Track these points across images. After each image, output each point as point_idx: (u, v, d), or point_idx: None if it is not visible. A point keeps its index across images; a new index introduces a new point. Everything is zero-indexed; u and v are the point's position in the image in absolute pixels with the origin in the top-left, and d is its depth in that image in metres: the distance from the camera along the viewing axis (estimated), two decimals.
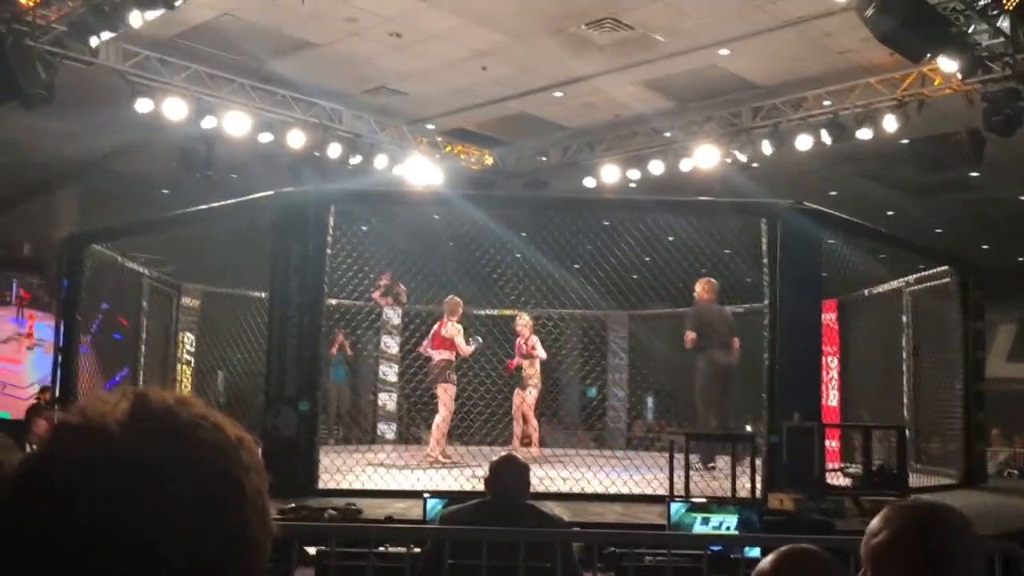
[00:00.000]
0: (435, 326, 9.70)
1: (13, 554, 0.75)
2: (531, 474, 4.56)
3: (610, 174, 12.84)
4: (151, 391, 0.82)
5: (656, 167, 12.42)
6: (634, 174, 12.69)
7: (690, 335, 8.98)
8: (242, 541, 0.78)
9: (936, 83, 10.15)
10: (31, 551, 0.73)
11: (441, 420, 9.33)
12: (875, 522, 1.72)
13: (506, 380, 10.57)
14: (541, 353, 10.42)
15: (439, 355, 9.45)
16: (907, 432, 8.07)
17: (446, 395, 9.34)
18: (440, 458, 9.09)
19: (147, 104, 10.26)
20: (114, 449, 0.75)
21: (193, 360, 10.85)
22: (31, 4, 8.78)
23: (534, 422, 10.45)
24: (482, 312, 11.85)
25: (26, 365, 14.08)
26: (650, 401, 15.70)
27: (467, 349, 9.49)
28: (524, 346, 10.41)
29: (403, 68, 10.94)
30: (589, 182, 13.11)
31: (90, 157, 13.02)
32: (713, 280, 9.16)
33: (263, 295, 8.13)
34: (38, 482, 0.75)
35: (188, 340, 10.81)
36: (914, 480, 7.79)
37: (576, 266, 10.54)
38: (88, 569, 0.72)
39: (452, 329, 9.44)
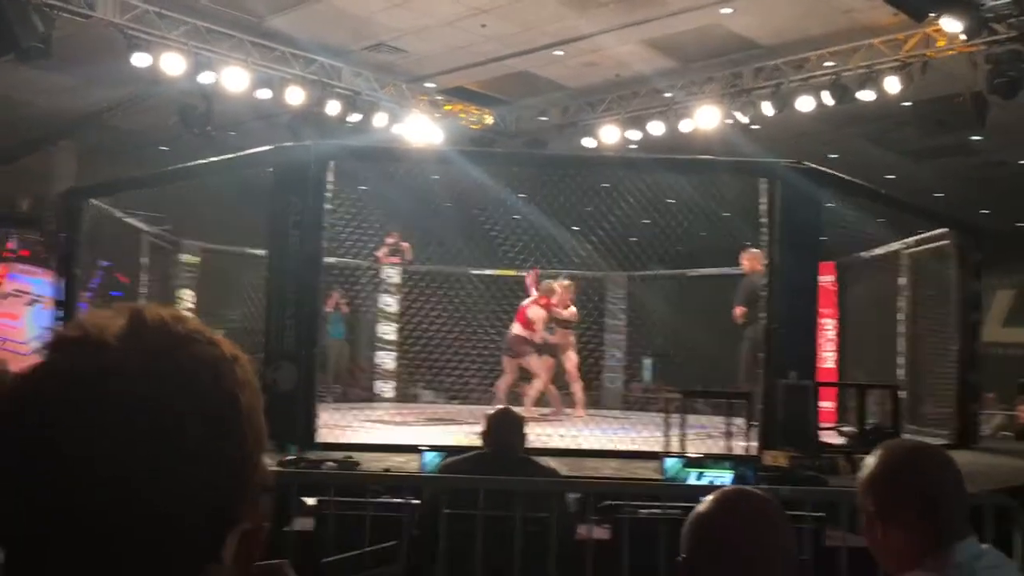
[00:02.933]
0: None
1: (8, 464, 0.76)
2: (527, 430, 4.61)
3: (610, 135, 12.78)
4: (147, 307, 0.82)
5: (656, 128, 12.35)
6: (634, 135, 12.62)
7: (740, 310, 8.86)
8: (236, 455, 0.79)
9: (940, 44, 10.06)
10: (26, 461, 0.74)
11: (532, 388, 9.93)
12: (869, 459, 1.84)
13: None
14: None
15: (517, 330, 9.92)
16: (901, 392, 8.12)
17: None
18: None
19: (144, 59, 10.17)
20: (110, 361, 0.76)
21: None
22: None
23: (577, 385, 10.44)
24: (481, 272, 11.88)
25: (25, 320, 14.09)
26: (648, 363, 15.76)
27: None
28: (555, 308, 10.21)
29: (403, 25, 10.83)
30: (589, 142, 13.05)
31: (88, 112, 12.93)
32: (757, 250, 8.74)
33: (262, 252, 8.14)
34: (34, 393, 0.76)
35: (188, 297, 10.84)
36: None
37: (575, 228, 10.54)
38: (81, 477, 0.73)
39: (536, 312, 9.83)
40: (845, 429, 7.63)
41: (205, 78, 10.66)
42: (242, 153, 7.88)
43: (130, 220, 9.64)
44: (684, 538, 1.59)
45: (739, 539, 1.56)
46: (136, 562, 0.73)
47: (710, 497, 1.62)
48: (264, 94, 11.28)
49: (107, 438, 0.73)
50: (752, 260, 8.80)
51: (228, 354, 0.82)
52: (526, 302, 10.05)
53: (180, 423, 0.75)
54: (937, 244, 9.15)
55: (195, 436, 0.76)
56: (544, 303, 9.92)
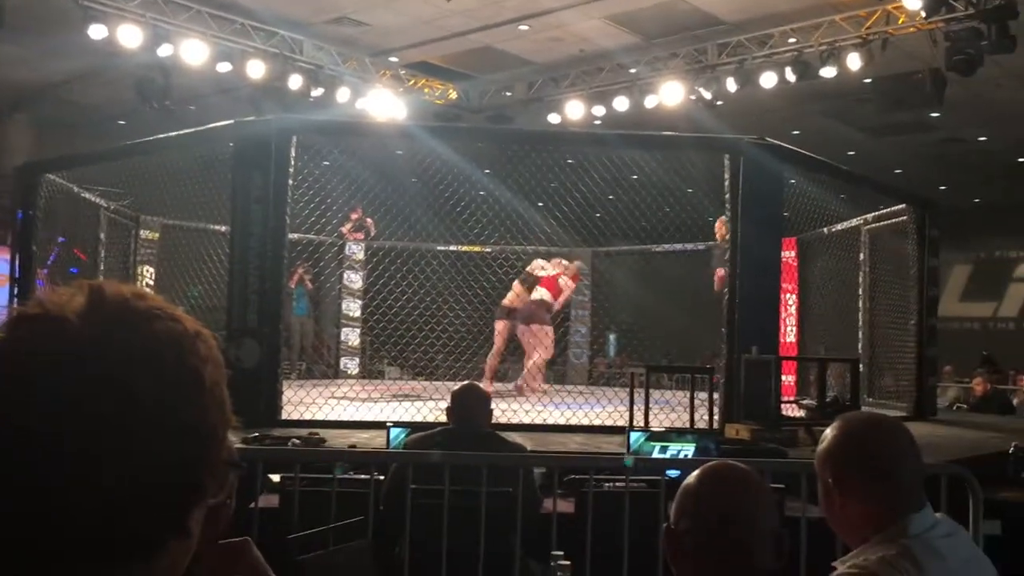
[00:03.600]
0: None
1: None
2: (493, 405, 4.63)
3: (575, 110, 12.77)
4: (107, 284, 0.81)
5: (621, 103, 12.36)
6: (599, 110, 12.63)
7: (721, 272, 8.70)
8: (200, 430, 0.79)
9: (900, 21, 10.16)
10: None
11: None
12: (826, 431, 1.89)
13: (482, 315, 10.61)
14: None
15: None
16: (860, 366, 8.25)
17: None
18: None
19: (100, 30, 9.96)
20: (70, 337, 0.75)
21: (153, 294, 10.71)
22: None
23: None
24: (446, 248, 11.86)
25: None
26: (612, 338, 15.86)
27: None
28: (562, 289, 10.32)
29: None
30: (554, 118, 13.03)
31: (43, 84, 12.68)
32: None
33: (223, 228, 8.04)
34: None
35: (148, 273, 10.69)
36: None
37: (540, 204, 10.53)
38: (44, 454, 0.72)
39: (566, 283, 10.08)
40: (805, 402, 7.74)
41: (163, 51, 10.47)
42: (202, 128, 7.76)
43: (87, 195, 9.47)
44: (673, 508, 1.69)
45: (722, 509, 1.64)
46: (102, 535, 0.73)
47: (698, 469, 1.71)
48: (224, 67, 11.11)
49: (70, 415, 0.73)
50: (724, 226, 8.82)
51: (191, 330, 0.82)
52: (550, 273, 10.15)
53: (143, 399, 0.75)
54: (895, 220, 9.27)
55: (158, 412, 0.75)
56: (573, 277, 10.15)
